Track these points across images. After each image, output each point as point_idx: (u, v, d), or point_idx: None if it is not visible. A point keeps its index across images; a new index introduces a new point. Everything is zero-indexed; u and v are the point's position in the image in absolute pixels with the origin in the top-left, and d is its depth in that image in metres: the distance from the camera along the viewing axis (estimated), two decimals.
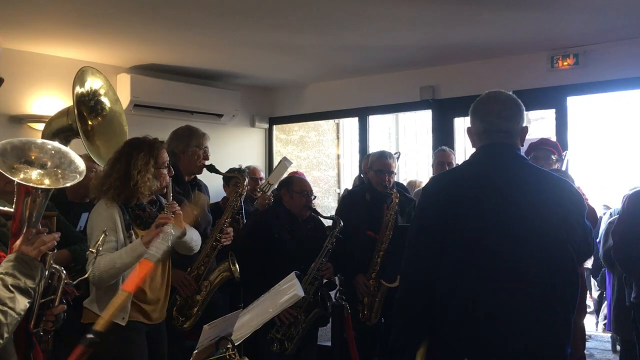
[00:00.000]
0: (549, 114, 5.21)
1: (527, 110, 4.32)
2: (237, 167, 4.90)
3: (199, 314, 3.10)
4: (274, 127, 6.65)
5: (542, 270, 2.00)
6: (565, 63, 4.82)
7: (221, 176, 3.71)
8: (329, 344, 4.93)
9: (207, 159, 3.45)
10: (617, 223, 3.62)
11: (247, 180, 3.49)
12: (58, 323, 1.92)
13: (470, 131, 2.24)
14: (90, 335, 1.59)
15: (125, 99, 5.19)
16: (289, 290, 2.38)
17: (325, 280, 3.65)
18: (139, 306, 2.66)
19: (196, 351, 1.64)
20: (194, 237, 2.89)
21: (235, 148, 6.20)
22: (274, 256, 3.50)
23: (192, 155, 3.40)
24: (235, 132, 6.27)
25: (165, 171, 2.78)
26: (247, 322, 2.35)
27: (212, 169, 3.40)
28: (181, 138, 3.42)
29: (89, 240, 2.69)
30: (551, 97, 4.91)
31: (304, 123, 6.84)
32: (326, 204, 6.95)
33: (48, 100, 4.86)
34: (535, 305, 1.99)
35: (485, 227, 2.02)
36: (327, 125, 7.26)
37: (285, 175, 4.06)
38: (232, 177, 4.69)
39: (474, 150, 2.26)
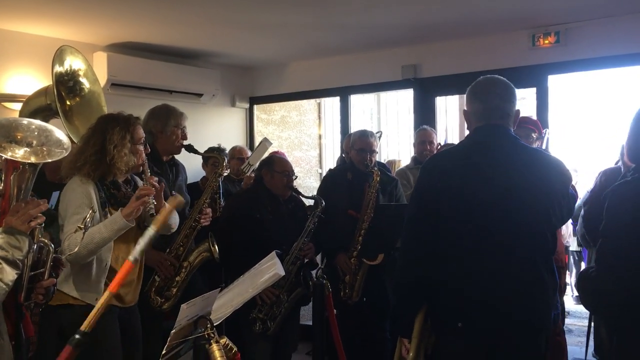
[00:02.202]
0: (530, 94, 5.21)
1: None
2: (216, 146, 4.88)
3: (179, 295, 3.07)
4: (255, 106, 6.57)
5: (526, 244, 2.15)
6: (547, 41, 4.80)
7: (200, 156, 3.64)
8: (311, 323, 4.96)
9: (185, 138, 3.40)
10: (589, 195, 3.63)
11: (226, 160, 3.44)
12: (48, 297, 1.95)
13: (467, 112, 2.31)
14: (77, 336, 1.56)
15: (102, 78, 5.07)
16: (270, 269, 2.36)
17: (307, 260, 3.64)
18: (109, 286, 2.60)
19: (174, 331, 1.60)
20: (173, 215, 2.84)
21: (215, 128, 6.12)
22: (255, 237, 3.47)
23: (170, 135, 3.34)
24: (215, 111, 6.19)
25: (141, 148, 2.72)
26: (227, 301, 2.32)
27: (190, 149, 3.35)
28: (159, 117, 3.35)
29: (62, 219, 2.61)
30: (532, 75, 4.89)
31: (285, 103, 6.77)
32: (308, 184, 6.92)
33: (22, 79, 4.73)
34: (522, 276, 2.15)
35: (476, 203, 2.15)
36: (309, 105, 7.19)
37: (265, 155, 4.01)
38: (211, 157, 4.67)
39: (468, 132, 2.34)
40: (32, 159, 1.83)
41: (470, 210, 2.16)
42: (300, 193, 3.71)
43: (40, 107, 3.64)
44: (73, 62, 3.73)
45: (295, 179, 3.73)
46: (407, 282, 2.27)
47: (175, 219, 2.88)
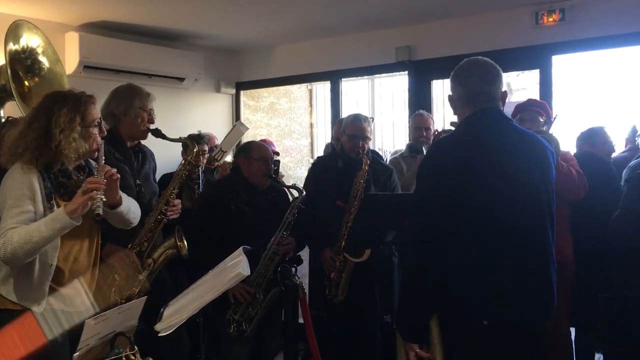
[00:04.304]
0: (531, 84, 4.90)
1: (510, 70, 3.96)
2: (196, 133, 4.56)
3: (141, 295, 2.75)
4: (242, 92, 6.24)
5: (539, 231, 2.10)
6: (551, 19, 4.50)
7: (170, 142, 3.28)
8: (301, 320, 4.66)
9: (152, 122, 3.05)
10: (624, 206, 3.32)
11: (196, 147, 3.11)
12: None
13: (452, 98, 2.25)
14: None
15: (74, 60, 4.77)
16: (234, 268, 2.04)
17: (287, 256, 3.32)
18: (56, 290, 2.26)
19: (77, 354, 1.27)
20: (131, 208, 2.48)
21: (199, 115, 5.79)
22: (230, 230, 3.17)
23: (134, 117, 2.99)
24: (199, 97, 5.86)
25: (95, 131, 2.36)
26: (183, 306, 2.01)
27: (157, 133, 3.01)
28: (122, 97, 3.01)
29: None
30: (535, 56, 4.59)
31: (275, 89, 6.45)
32: (299, 174, 6.60)
33: None
34: (540, 265, 2.10)
35: (494, 190, 2.05)
36: (300, 91, 6.86)
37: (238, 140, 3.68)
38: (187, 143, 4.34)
39: (455, 117, 2.30)
40: None
41: (489, 197, 2.05)
42: (279, 182, 3.39)
43: None
44: (30, 39, 3.43)
45: (276, 166, 3.41)
46: (423, 280, 2.06)
47: (135, 212, 2.54)
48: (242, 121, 6.24)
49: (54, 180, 2.29)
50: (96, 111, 2.41)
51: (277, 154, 5.21)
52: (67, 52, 4.81)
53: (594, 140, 3.94)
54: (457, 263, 2.02)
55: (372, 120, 4.27)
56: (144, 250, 2.81)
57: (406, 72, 5.24)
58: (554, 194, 2.18)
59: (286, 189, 3.65)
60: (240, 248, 2.15)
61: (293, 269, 3.05)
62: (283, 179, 4.86)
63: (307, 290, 3.97)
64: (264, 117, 6.54)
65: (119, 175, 2.35)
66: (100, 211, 2.14)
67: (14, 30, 3.31)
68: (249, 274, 2.01)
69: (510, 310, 2.04)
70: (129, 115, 2.99)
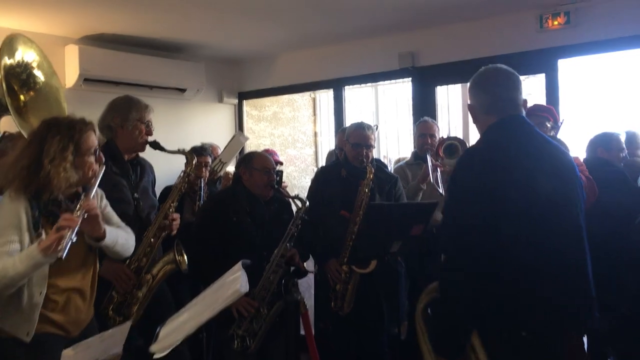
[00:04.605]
0: (538, 84, 4.81)
1: None
2: (199, 145, 4.50)
3: (140, 313, 2.68)
4: (244, 102, 6.18)
5: (572, 239, 2.07)
6: (556, 22, 4.41)
7: (168, 154, 3.21)
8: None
9: (150, 134, 2.99)
10: None
11: (195, 159, 3.05)
12: None
13: (472, 106, 2.22)
14: None
15: (74, 73, 4.73)
16: (233, 284, 1.96)
17: (292, 268, 3.24)
18: (47, 316, 2.18)
19: None
20: (118, 241, 2.38)
21: (201, 126, 5.74)
22: (232, 243, 3.10)
23: (132, 130, 2.93)
24: (201, 108, 5.80)
25: (91, 159, 2.27)
26: (179, 325, 1.93)
27: (155, 145, 2.95)
28: (119, 110, 2.95)
29: None
30: (541, 60, 4.50)
31: (278, 98, 6.39)
32: (303, 184, 6.52)
33: None
34: (582, 273, 2.07)
35: (523, 199, 2.01)
36: (303, 100, 6.80)
37: (238, 151, 3.61)
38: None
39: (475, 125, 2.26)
40: None
41: (530, 207, 2.00)
42: (282, 192, 3.32)
43: None
44: (26, 53, 3.36)
45: (279, 176, 3.35)
46: (463, 294, 1.99)
47: (125, 244, 2.43)
48: (245, 131, 6.21)
49: (43, 209, 2.20)
50: (93, 139, 2.32)
51: (281, 163, 5.14)
52: (67, 65, 4.78)
53: (610, 145, 3.85)
54: (497, 274, 1.97)
55: (377, 128, 4.21)
56: (142, 265, 2.74)
57: (410, 78, 5.17)
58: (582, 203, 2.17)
59: (290, 199, 3.58)
60: (239, 262, 2.06)
61: (295, 282, 2.98)
62: (287, 189, 4.80)
63: (313, 302, 3.90)
64: (267, 127, 6.48)
65: (98, 213, 2.24)
66: (64, 254, 2.01)
67: (8, 44, 3.24)
68: (247, 290, 1.92)
69: (548, 323, 2.00)
70: (126, 127, 2.93)
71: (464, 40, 4.80)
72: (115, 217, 2.46)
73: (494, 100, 2.15)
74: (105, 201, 2.44)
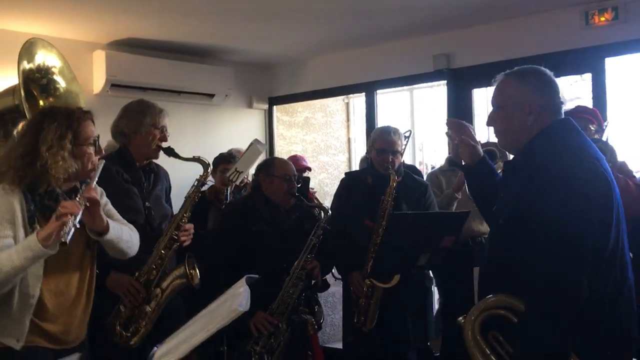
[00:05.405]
0: (585, 93, 4.52)
1: (560, 75, 3.68)
2: (226, 153, 4.38)
3: (149, 328, 2.54)
4: (275, 107, 6.04)
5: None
6: (603, 19, 4.13)
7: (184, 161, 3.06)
8: (339, 346, 4.36)
9: (165, 140, 2.86)
10: None
11: (210, 167, 2.90)
12: None
13: (536, 104, 2.04)
14: None
15: (101, 79, 4.69)
16: (233, 300, 1.80)
17: (313, 281, 3.06)
18: (39, 326, 2.05)
19: None
20: (123, 237, 2.24)
21: (229, 132, 5.62)
22: (250, 254, 2.94)
23: (145, 135, 2.80)
24: (230, 113, 5.69)
25: (90, 149, 2.15)
26: (176, 345, 1.77)
27: (170, 152, 2.82)
28: (132, 115, 2.83)
29: None
30: (586, 59, 4.21)
31: (310, 103, 6.23)
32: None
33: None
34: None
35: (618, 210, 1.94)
36: (336, 105, 6.63)
37: (258, 160, 3.44)
38: (219, 163, 4.15)
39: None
40: None
41: (619, 217, 1.93)
42: (304, 200, 3.14)
43: (8, 108, 3.24)
44: (46, 58, 3.31)
45: (301, 183, 3.18)
46: (564, 316, 1.83)
47: (129, 240, 2.29)
48: (276, 137, 6.07)
49: (38, 202, 2.08)
50: (92, 128, 2.19)
51: (309, 169, 4.97)
52: (94, 70, 4.74)
53: None
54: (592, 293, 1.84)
55: (410, 134, 3.98)
56: (152, 278, 2.60)
57: (445, 81, 4.94)
58: None
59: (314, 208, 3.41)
60: (243, 278, 1.90)
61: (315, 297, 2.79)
62: (318, 196, 4.63)
63: (341, 317, 3.71)
64: (299, 133, 6.32)
65: (99, 200, 2.11)
66: (67, 238, 1.87)
67: (28, 49, 3.19)
68: (247, 309, 1.75)
69: (628, 342, 1.94)
70: (139, 133, 2.81)
71: (503, 39, 4.55)
72: (116, 215, 2.33)
73: (548, 102, 2.03)
74: (105, 199, 2.30)
